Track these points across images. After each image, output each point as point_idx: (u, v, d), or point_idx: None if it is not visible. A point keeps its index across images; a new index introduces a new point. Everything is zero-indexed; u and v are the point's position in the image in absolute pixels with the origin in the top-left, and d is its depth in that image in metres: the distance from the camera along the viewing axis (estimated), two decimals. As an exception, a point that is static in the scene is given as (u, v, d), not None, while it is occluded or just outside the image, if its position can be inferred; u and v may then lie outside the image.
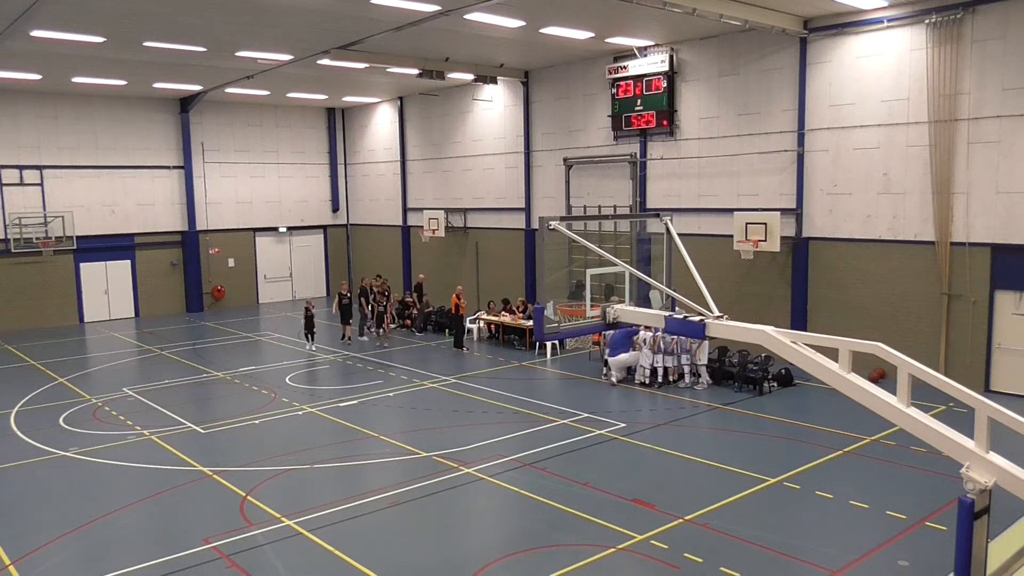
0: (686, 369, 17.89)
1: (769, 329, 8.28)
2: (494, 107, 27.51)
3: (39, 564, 9.70)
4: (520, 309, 23.20)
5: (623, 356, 18.42)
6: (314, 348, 22.91)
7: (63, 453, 13.96)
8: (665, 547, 9.72)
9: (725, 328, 9.05)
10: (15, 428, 15.63)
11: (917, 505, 10.86)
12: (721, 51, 20.52)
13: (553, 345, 21.71)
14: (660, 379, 17.91)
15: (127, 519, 11.12)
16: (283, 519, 10.81)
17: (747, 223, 19.14)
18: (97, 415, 16.47)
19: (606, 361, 18.97)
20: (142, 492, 12.03)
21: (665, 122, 21.60)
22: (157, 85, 27.03)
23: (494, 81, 26.00)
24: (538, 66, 25.21)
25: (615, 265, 11.09)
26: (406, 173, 32.27)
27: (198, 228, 31.57)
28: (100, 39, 19.22)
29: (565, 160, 24.62)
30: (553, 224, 9.74)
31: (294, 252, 35.10)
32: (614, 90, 22.75)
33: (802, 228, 19.35)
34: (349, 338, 23.86)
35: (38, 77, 24.71)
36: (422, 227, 29.50)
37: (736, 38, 20.04)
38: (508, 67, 25.08)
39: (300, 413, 16.41)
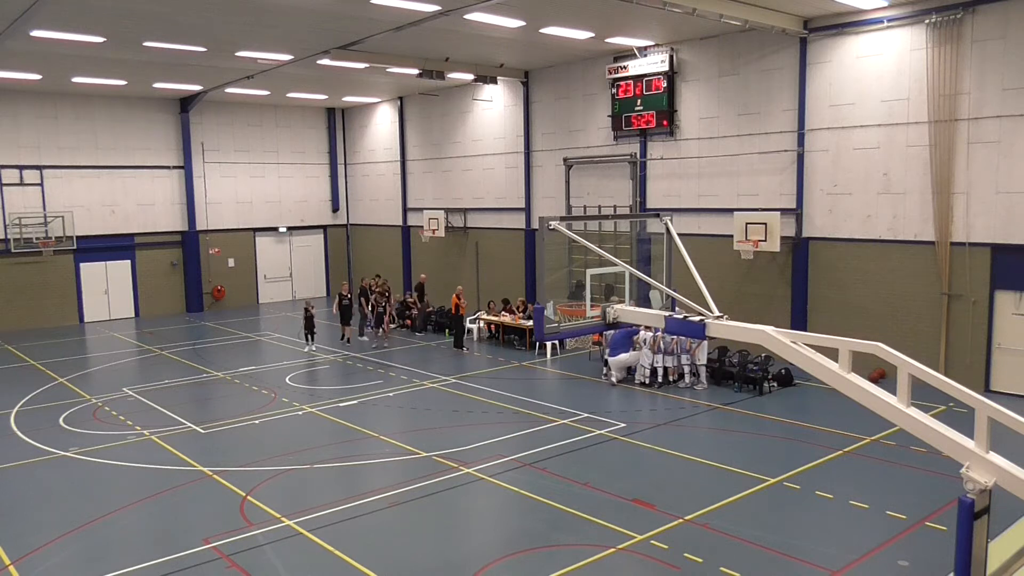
0: (686, 369, 17.89)
1: (769, 329, 8.28)
2: (494, 107, 27.51)
3: (39, 564, 9.70)
4: (520, 309, 23.20)
5: (623, 356, 18.42)
6: (314, 348, 22.91)
7: (63, 453, 13.96)
8: (665, 547, 9.72)
9: (725, 328, 9.05)
10: (15, 428, 15.63)
11: (917, 505, 10.86)
12: (721, 51, 20.52)
13: (553, 345, 21.71)
14: (660, 379, 17.91)
15: (127, 519, 11.12)
16: (283, 519, 10.81)
17: (747, 223, 19.15)
18: (97, 415, 16.47)
19: (606, 361, 18.97)
20: (142, 492, 12.03)
21: (665, 122, 21.60)
22: (157, 85, 27.03)
23: (494, 81, 26.00)
24: (538, 66, 25.21)
25: (615, 265, 11.09)
26: (406, 173, 32.27)
27: (198, 228, 31.58)
28: (100, 39, 19.22)
29: (565, 160, 24.62)
30: (553, 224, 9.74)
31: (294, 252, 35.10)
32: (614, 90, 22.75)
33: (802, 228, 19.35)
34: (348, 338, 23.86)
35: (38, 77, 24.72)
36: (422, 227, 29.50)
37: (736, 38, 20.05)
38: (508, 67, 25.08)
39: (300, 413, 16.41)
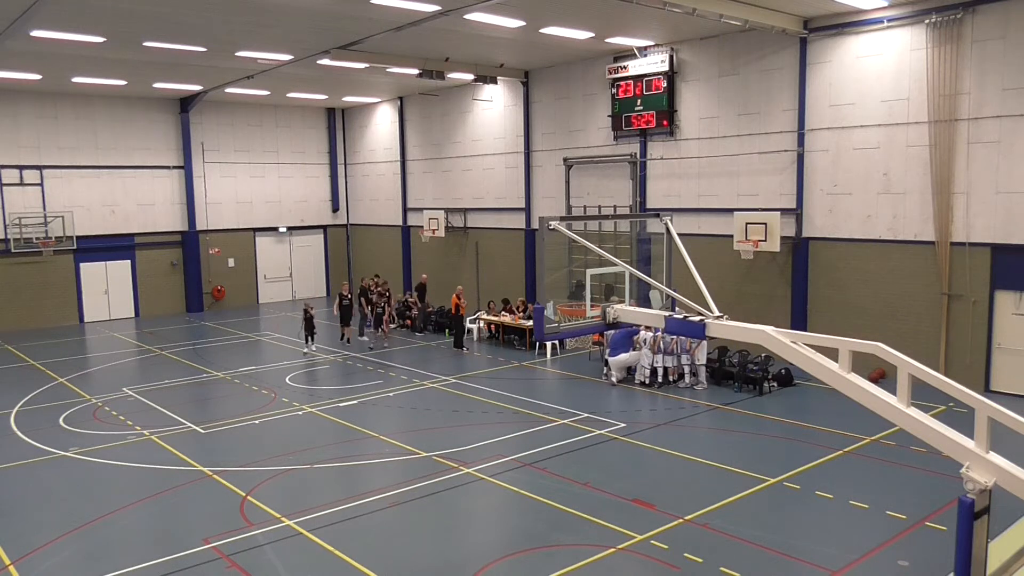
0: (686, 369, 17.89)
1: (769, 329, 8.28)
2: (494, 107, 27.51)
3: (39, 564, 9.71)
4: (520, 309, 23.20)
5: (623, 356, 18.42)
6: (314, 348, 22.90)
7: (63, 453, 13.96)
8: (665, 547, 9.72)
9: (725, 328, 9.05)
10: (15, 428, 15.63)
11: (917, 505, 10.86)
12: (721, 51, 20.52)
13: (553, 345, 21.71)
14: (660, 379, 17.91)
15: (127, 519, 11.12)
16: (283, 519, 10.81)
17: (747, 223, 19.15)
18: (97, 415, 16.47)
19: (606, 361, 18.97)
20: (142, 492, 12.03)
21: (665, 122, 21.60)
22: (157, 85, 27.04)
23: (494, 81, 25.99)
24: (538, 66, 25.22)
25: (615, 265, 11.09)
26: (406, 173, 32.27)
27: (198, 228, 31.58)
28: (100, 39, 19.22)
29: (565, 160, 24.62)
30: (553, 224, 9.74)
31: (294, 252, 35.11)
32: (614, 90, 22.76)
33: (802, 228, 19.35)
34: (348, 339, 23.85)
35: (38, 77, 24.72)
36: (422, 227, 29.51)
37: (736, 38, 20.05)
38: (508, 67, 25.08)
39: (300, 413, 16.41)
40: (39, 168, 28.24)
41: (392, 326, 25.62)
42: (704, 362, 17.90)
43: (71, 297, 29.20)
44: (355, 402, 17.15)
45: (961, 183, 16.58)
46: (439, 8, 16.83)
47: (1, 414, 16.63)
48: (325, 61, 22.00)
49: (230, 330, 27.11)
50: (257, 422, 15.79)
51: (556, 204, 25.13)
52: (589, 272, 11.75)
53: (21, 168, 27.87)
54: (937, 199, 16.85)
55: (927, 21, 16.64)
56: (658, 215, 11.27)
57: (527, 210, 26.51)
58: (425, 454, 13.49)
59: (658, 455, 13.37)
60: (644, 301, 12.15)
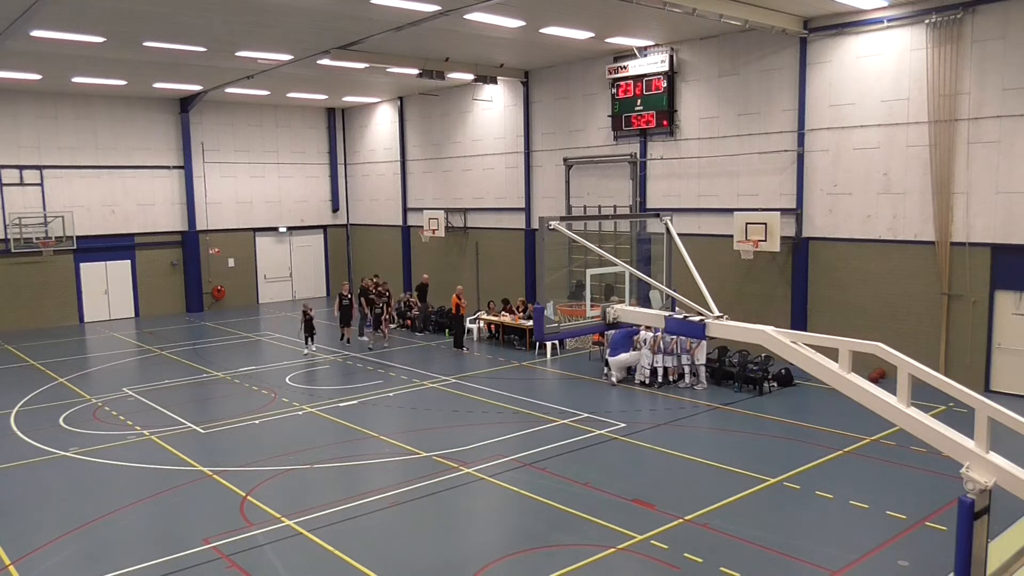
0: (686, 369, 17.89)
1: (769, 329, 8.28)
2: (494, 107, 27.51)
3: (39, 564, 9.71)
4: (520, 309, 23.19)
5: (623, 356, 18.42)
6: (314, 349, 22.89)
7: (63, 453, 13.96)
8: (665, 547, 9.72)
9: (725, 328, 9.05)
10: (15, 428, 15.63)
11: (917, 505, 10.86)
12: (721, 51, 20.52)
13: (553, 345, 21.71)
14: (660, 379, 17.91)
15: (127, 519, 11.12)
16: (283, 519, 10.81)
17: (747, 223, 19.15)
18: (97, 415, 16.47)
19: (606, 361, 18.97)
20: (142, 492, 12.03)
21: (665, 122, 21.60)
22: (157, 85, 27.04)
23: (494, 81, 25.99)
24: (538, 66, 25.22)
25: (615, 265, 11.09)
26: (406, 173, 32.27)
27: (198, 228, 31.58)
28: (100, 39, 19.22)
29: (565, 160, 24.62)
30: (553, 224, 9.74)
31: (294, 252, 35.11)
32: (614, 90, 22.76)
33: (802, 228, 19.35)
34: (348, 339, 23.84)
35: (38, 77, 24.72)
36: (422, 227, 29.51)
37: (736, 38, 20.05)
38: (508, 67, 25.08)
39: (300, 413, 16.41)
40: (39, 168, 28.24)
41: (392, 326, 25.58)
42: (704, 362, 17.90)
43: (71, 297, 29.20)
44: (355, 402, 17.15)
45: (961, 183, 16.58)
46: (439, 8, 16.83)
47: (1, 414, 16.63)
48: (325, 61, 22.00)
49: (230, 330, 27.11)
50: (257, 422, 15.79)
51: (556, 204, 25.13)
52: (589, 272, 11.75)
53: (21, 168, 27.87)
54: (937, 199, 16.85)
55: (927, 21, 16.64)
56: (658, 215, 11.28)
57: (527, 210, 26.51)
58: (425, 454, 13.49)
59: (658, 455, 13.37)
60: (644, 301, 12.14)
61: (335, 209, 35.89)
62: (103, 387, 18.96)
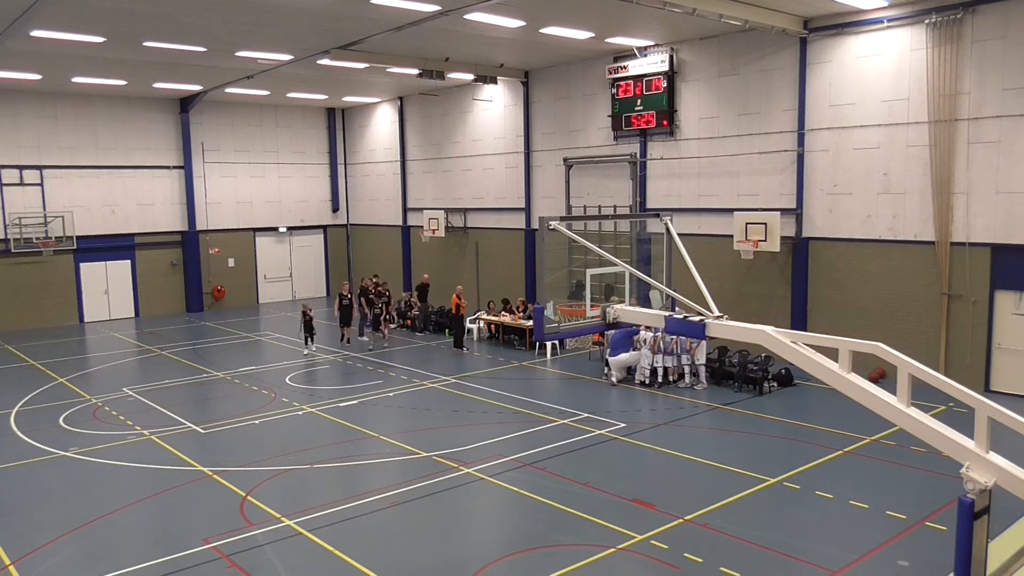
0: (686, 369, 17.89)
1: (769, 329, 8.28)
2: (494, 107, 27.51)
3: (39, 564, 9.71)
4: (520, 309, 23.19)
5: (623, 356, 18.42)
6: (314, 349, 22.88)
7: (63, 453, 13.96)
8: (665, 547, 9.72)
9: (725, 328, 9.05)
10: (15, 428, 15.63)
11: (917, 505, 10.86)
12: (721, 51, 20.52)
13: (553, 345, 21.71)
14: (660, 379, 17.91)
15: (127, 519, 11.12)
16: (283, 519, 10.81)
17: (747, 223, 19.15)
18: (97, 415, 16.47)
19: (606, 361, 18.97)
20: (142, 492, 12.03)
21: (665, 122, 21.60)
22: (157, 85, 27.04)
23: (494, 81, 25.99)
24: (538, 66, 25.21)
25: (615, 265, 11.09)
26: (406, 173, 32.27)
27: (198, 228, 31.58)
28: (100, 39, 19.22)
29: (565, 160, 24.62)
30: (553, 224, 9.74)
31: (294, 252, 35.11)
32: (614, 90, 22.76)
33: (802, 228, 19.35)
34: (348, 339, 23.83)
35: (38, 77, 24.72)
36: (422, 227, 29.51)
37: (736, 38, 20.05)
38: (508, 67, 25.08)
39: (300, 413, 16.41)
40: (39, 168, 28.24)
41: (392, 326, 25.57)
42: (704, 362, 17.90)
43: (71, 297, 29.20)
44: (355, 402, 17.15)
45: (961, 183, 16.58)
46: (439, 8, 16.83)
47: (1, 414, 16.63)
48: (325, 61, 22.00)
49: (230, 330, 27.11)
50: (257, 422, 15.79)
51: (556, 204, 25.13)
52: (589, 272, 11.74)
53: (21, 168, 27.87)
54: (937, 199, 16.85)
55: (927, 21, 16.64)
56: (658, 215, 11.28)
57: (527, 210, 26.51)
58: (425, 454, 13.49)
59: (658, 455, 13.37)
60: (644, 301, 12.15)
61: (335, 209, 35.89)
62: (103, 387, 18.96)
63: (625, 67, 22.34)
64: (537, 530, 10.40)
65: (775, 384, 17.51)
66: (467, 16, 17.42)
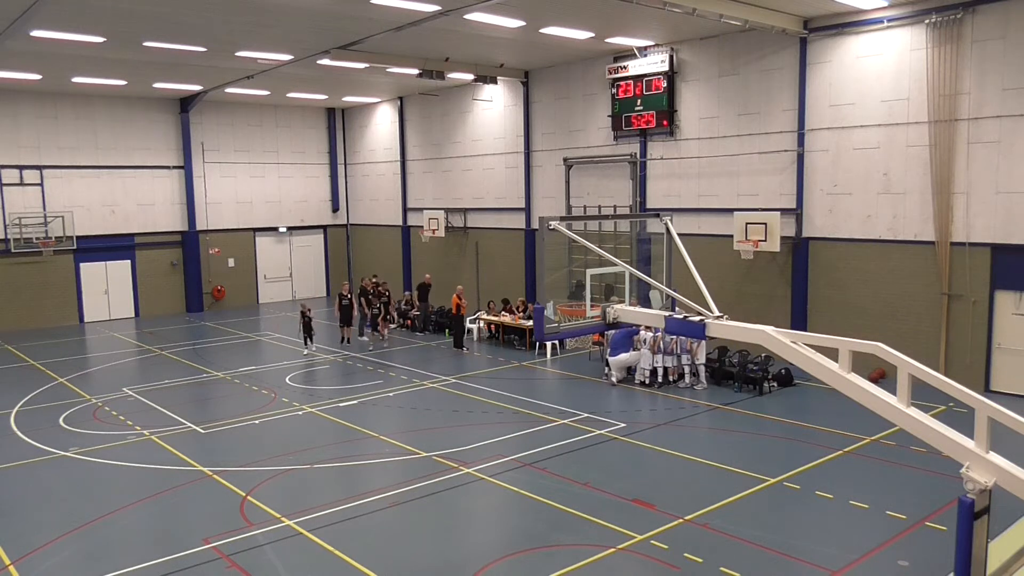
0: (686, 369, 17.89)
1: (769, 329, 8.28)
2: (494, 107, 27.51)
3: (39, 564, 9.71)
4: (520, 309, 23.20)
5: (623, 356, 18.42)
6: (314, 349, 22.88)
7: (63, 453, 13.96)
8: (665, 547, 9.72)
9: (725, 328, 9.05)
10: (15, 428, 15.63)
11: (917, 505, 10.86)
12: (721, 51, 20.52)
13: (553, 345, 21.71)
14: (660, 379, 17.91)
15: (127, 519, 11.12)
16: (283, 519, 10.81)
17: (747, 223, 19.15)
18: (97, 415, 16.47)
19: (607, 361, 18.97)
20: (142, 492, 12.03)
21: (665, 122, 21.60)
22: (157, 85, 27.04)
23: (494, 81, 25.99)
24: (538, 66, 25.21)
25: (615, 265, 11.09)
26: (406, 173, 32.27)
27: (198, 228, 31.58)
28: (100, 39, 19.22)
29: (565, 160, 24.62)
30: (553, 224, 9.75)
31: (294, 252, 35.11)
32: (614, 90, 22.75)
33: (802, 228, 19.35)
34: (348, 339, 23.83)
35: (38, 77, 24.72)
36: (422, 227, 29.51)
37: (736, 38, 20.04)
38: (508, 67, 25.08)
39: (300, 413, 16.41)
40: (39, 168, 28.23)
41: (392, 326, 25.56)
42: (704, 362, 17.90)
43: (71, 297, 29.20)
44: (355, 402, 17.15)
45: (961, 183, 16.58)
46: (439, 8, 16.83)
47: (1, 414, 16.63)
48: (325, 61, 22.00)
49: (230, 330, 27.11)
50: (257, 422, 15.79)
51: (556, 204, 25.12)
52: (589, 272, 11.75)
53: (21, 168, 27.87)
54: (937, 199, 16.85)
55: (927, 21, 16.64)
56: (658, 215, 11.28)
57: (527, 210, 26.51)
58: (425, 454, 13.50)
59: (658, 455, 13.37)
60: (644, 301, 12.15)
61: (335, 209, 35.89)
62: (103, 387, 18.96)
63: (625, 67, 22.34)
64: (537, 530, 10.40)
65: (775, 384, 17.51)
66: (467, 16, 17.42)
